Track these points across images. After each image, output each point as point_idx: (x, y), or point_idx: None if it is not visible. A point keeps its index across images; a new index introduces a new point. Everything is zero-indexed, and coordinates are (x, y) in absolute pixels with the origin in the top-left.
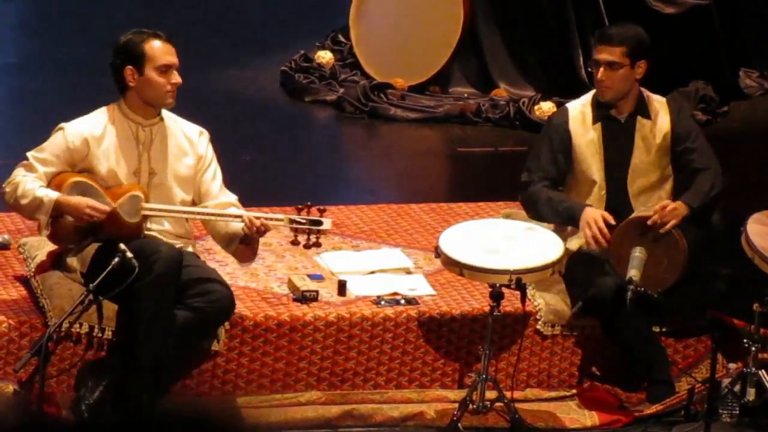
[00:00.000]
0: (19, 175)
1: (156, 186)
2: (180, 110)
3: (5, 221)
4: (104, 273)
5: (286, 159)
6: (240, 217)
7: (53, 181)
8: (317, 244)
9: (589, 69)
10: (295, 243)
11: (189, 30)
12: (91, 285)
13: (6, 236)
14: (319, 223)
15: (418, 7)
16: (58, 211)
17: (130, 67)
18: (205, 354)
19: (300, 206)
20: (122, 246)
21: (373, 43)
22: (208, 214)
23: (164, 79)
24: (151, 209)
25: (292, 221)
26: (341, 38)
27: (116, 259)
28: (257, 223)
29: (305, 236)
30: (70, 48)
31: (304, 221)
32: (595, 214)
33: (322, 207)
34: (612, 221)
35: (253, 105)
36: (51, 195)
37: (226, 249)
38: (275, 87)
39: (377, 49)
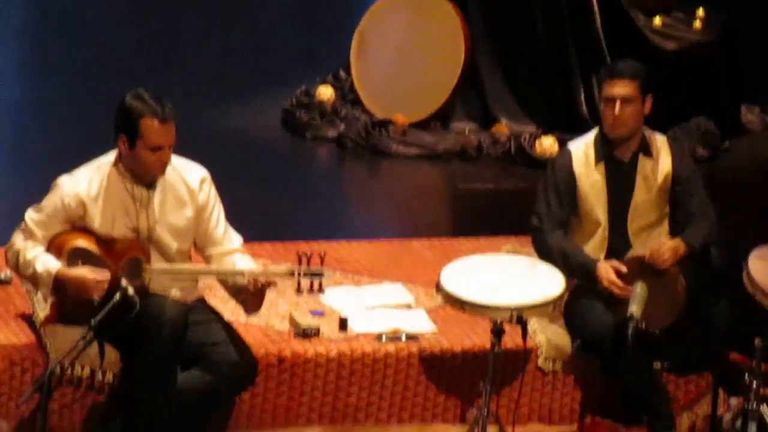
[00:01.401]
0: (19, 241)
1: (155, 241)
2: (180, 147)
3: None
4: (105, 310)
5: (287, 195)
6: (242, 273)
7: (53, 243)
8: (321, 291)
9: (590, 105)
10: (299, 292)
11: (191, 67)
12: (93, 320)
13: (7, 272)
14: (320, 274)
15: (419, 43)
16: (59, 283)
17: (123, 137)
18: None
19: (300, 255)
20: (123, 283)
21: (374, 79)
22: (210, 272)
23: (154, 158)
24: (153, 271)
25: (292, 274)
26: (342, 74)
27: (117, 296)
28: (261, 281)
29: (308, 284)
30: (70, 85)
31: (305, 273)
32: (608, 273)
33: (322, 254)
34: (623, 270)
35: (254, 141)
36: (51, 269)
37: (234, 298)
38: (276, 123)
39: (378, 85)
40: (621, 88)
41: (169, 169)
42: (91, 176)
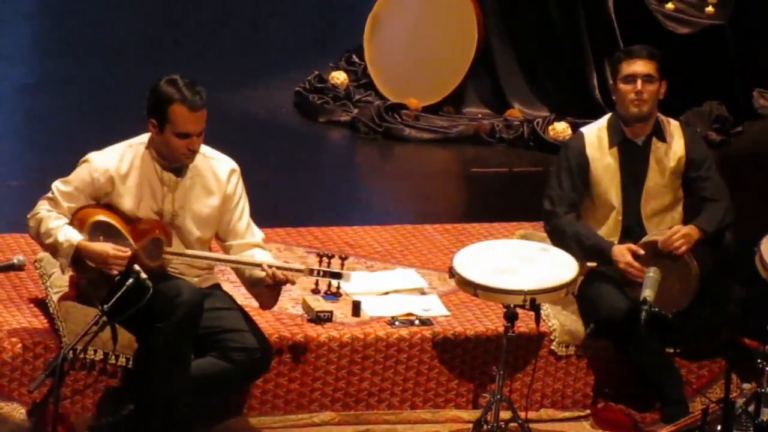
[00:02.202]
0: (43, 209)
1: (177, 227)
2: None
3: (20, 242)
4: (119, 293)
5: (300, 180)
6: (260, 266)
7: (76, 215)
8: (338, 294)
9: (603, 90)
10: (315, 291)
11: (203, 50)
12: (105, 306)
13: (21, 257)
14: (339, 276)
15: (432, 27)
16: (78, 255)
17: (153, 120)
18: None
19: (321, 254)
20: (137, 267)
21: (387, 63)
22: (229, 261)
23: (182, 143)
24: (172, 254)
25: (312, 272)
26: (355, 59)
27: (130, 281)
28: (279, 275)
29: (326, 285)
30: (85, 67)
31: (324, 273)
32: (624, 256)
33: (344, 255)
34: (641, 252)
35: (268, 125)
36: (72, 240)
37: (250, 290)
38: (289, 108)
39: (391, 69)
40: (642, 66)
41: (199, 158)
42: (122, 154)
